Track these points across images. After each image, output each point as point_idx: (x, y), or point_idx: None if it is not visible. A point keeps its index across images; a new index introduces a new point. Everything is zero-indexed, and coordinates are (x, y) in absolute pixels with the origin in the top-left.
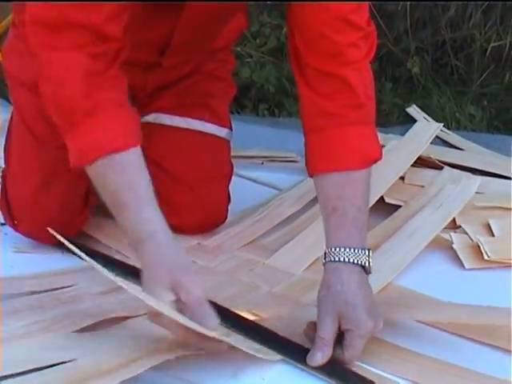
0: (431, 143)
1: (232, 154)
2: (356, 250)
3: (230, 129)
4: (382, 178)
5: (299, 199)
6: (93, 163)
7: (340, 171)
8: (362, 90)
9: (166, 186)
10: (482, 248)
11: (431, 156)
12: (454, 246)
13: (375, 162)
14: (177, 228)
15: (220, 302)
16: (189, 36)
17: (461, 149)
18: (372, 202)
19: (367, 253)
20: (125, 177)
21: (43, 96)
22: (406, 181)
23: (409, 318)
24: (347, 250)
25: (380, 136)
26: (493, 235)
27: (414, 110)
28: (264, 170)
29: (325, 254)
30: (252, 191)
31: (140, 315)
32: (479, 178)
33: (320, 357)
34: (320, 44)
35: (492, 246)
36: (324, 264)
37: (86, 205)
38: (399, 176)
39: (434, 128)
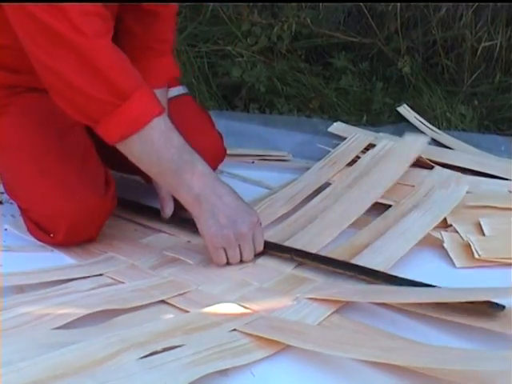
0: None
1: None
2: None
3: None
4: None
5: (290, 200)
6: (143, 129)
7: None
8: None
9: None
10: (472, 247)
11: (422, 156)
12: (445, 244)
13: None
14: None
15: (210, 298)
16: None
17: (451, 148)
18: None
19: None
20: (168, 135)
21: (77, 83)
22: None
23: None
24: None
25: (371, 135)
26: (483, 234)
27: (404, 110)
28: (255, 168)
29: None
30: (243, 190)
31: (127, 309)
32: (467, 183)
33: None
34: None
35: (483, 245)
36: None
37: (108, 183)
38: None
39: (421, 141)
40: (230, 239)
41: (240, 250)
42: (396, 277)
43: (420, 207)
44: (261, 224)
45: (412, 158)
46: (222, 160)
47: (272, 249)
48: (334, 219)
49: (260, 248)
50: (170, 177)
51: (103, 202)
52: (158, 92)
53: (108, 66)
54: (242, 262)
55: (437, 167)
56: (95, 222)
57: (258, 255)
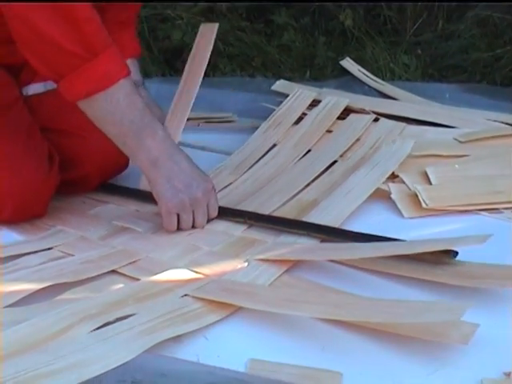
0: (366, 95)
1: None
2: None
3: None
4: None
5: (237, 167)
6: (110, 88)
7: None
8: None
9: (62, 144)
10: (419, 197)
11: (365, 108)
12: (393, 196)
13: None
14: (84, 179)
15: (160, 265)
16: None
17: (396, 99)
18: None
19: None
20: (132, 98)
21: (50, 32)
22: None
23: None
24: None
25: (314, 91)
26: (430, 183)
27: (347, 63)
28: (201, 132)
29: None
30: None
31: (79, 281)
32: (412, 135)
33: None
34: None
35: (429, 194)
36: None
37: (51, 158)
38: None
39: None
40: (185, 204)
41: (193, 215)
42: (349, 231)
43: (366, 164)
44: (215, 190)
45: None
46: (126, 165)
47: (225, 214)
48: (284, 185)
49: (214, 214)
50: (130, 138)
51: (48, 178)
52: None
53: (85, 18)
54: (193, 227)
55: (382, 119)
56: (41, 198)
57: (210, 220)
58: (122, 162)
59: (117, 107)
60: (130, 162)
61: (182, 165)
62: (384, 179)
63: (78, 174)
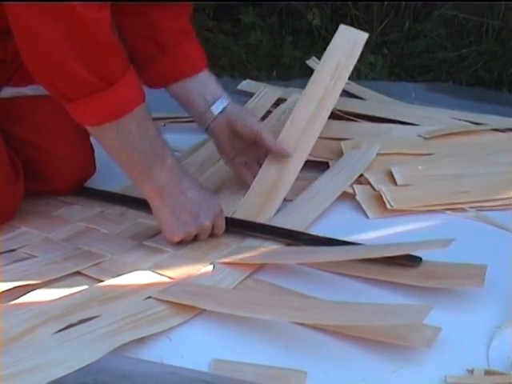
0: None
1: None
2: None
3: None
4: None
5: (201, 165)
6: (127, 115)
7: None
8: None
9: (29, 157)
10: (384, 198)
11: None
12: (357, 197)
13: None
14: (50, 192)
15: (124, 266)
16: None
17: (363, 98)
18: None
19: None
20: (145, 126)
21: (63, 53)
22: None
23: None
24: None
25: (281, 89)
26: (395, 183)
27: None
28: (166, 131)
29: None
30: None
31: (42, 283)
32: (378, 134)
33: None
34: None
35: (394, 196)
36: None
37: (15, 167)
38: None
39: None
40: (191, 233)
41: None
42: (314, 236)
43: (332, 168)
44: (223, 211)
45: None
46: (91, 176)
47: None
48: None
49: (220, 233)
50: (138, 169)
51: (17, 188)
52: (206, 74)
53: (105, 41)
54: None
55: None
56: (11, 207)
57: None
58: (90, 172)
59: (128, 137)
60: (134, 187)
61: (189, 193)
62: (350, 183)
63: (44, 189)
